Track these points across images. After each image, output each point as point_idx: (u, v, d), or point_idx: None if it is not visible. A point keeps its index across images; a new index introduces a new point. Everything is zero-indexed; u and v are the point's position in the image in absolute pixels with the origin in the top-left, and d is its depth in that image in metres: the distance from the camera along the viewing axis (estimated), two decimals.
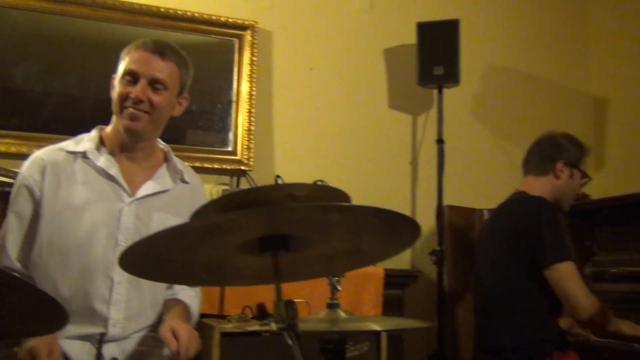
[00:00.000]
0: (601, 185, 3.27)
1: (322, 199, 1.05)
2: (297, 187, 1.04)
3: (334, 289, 1.36)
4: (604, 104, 3.40)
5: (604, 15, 3.48)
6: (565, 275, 1.99)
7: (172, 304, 1.74)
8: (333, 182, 2.43)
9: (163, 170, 1.78)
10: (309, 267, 1.22)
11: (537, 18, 3.44)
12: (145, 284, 1.65)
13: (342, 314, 1.34)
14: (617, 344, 2.27)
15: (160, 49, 1.67)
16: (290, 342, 1.08)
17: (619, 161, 3.30)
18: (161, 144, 1.83)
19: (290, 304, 1.08)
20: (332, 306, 1.36)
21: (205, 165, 2.74)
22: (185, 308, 1.75)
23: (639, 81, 3.19)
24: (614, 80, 3.37)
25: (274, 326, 1.08)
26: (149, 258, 1.08)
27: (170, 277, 1.26)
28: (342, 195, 1.07)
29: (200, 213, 1.06)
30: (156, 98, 1.65)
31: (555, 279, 2.00)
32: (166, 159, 1.81)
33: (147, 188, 1.71)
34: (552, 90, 3.41)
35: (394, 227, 1.07)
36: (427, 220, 2.99)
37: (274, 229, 1.05)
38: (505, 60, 3.33)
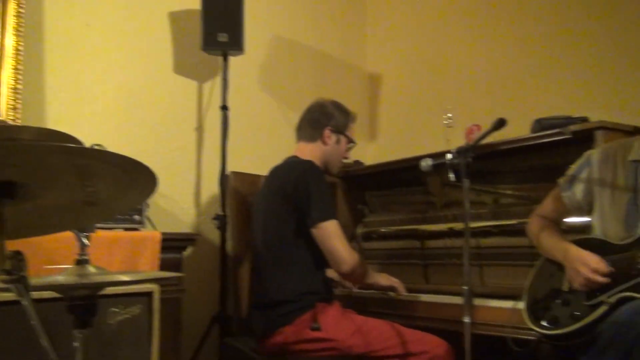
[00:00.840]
0: (374, 153, 3.59)
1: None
2: (20, 130, 0.99)
3: (82, 245, 1.31)
4: (377, 79, 3.70)
5: None
6: (330, 233, 2.15)
7: None
8: (113, 148, 2.34)
9: None
10: (47, 220, 1.17)
11: None
12: None
13: (92, 269, 1.30)
14: (376, 294, 2.54)
15: None
16: (20, 296, 1.03)
17: (389, 131, 3.63)
18: None
19: (17, 255, 1.03)
20: (81, 262, 1.31)
21: None
22: None
23: (408, 59, 3.54)
24: (386, 57, 3.69)
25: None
26: None
27: None
28: (74, 141, 1.03)
29: None
30: None
31: (321, 236, 2.15)
32: None
33: None
34: (333, 64, 3.63)
35: (131, 177, 1.07)
36: (211, 186, 3.02)
37: None
38: (290, 32, 3.46)
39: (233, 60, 2.97)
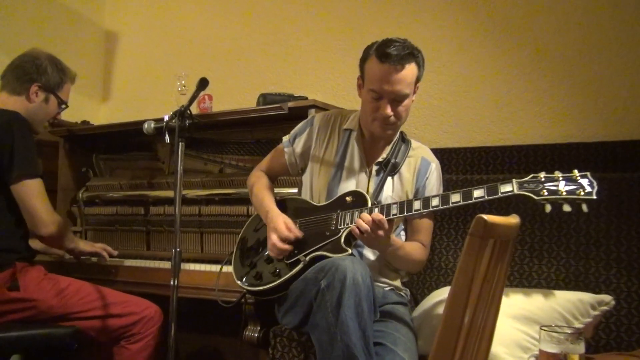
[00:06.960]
0: (106, 115, 3.40)
1: None
2: None
3: None
4: (114, 38, 3.48)
5: None
6: (31, 192, 1.97)
7: None
8: None
9: None
10: None
11: None
12: None
13: None
14: (88, 260, 2.43)
15: None
16: None
17: (124, 94, 3.46)
18: None
19: None
20: None
21: None
22: None
23: (147, 20, 3.40)
24: (125, 16, 3.49)
25: None
26: None
27: None
28: None
29: None
30: None
31: (21, 194, 1.97)
32: None
33: None
34: (63, 13, 3.28)
35: None
36: None
37: None
38: None
39: None
